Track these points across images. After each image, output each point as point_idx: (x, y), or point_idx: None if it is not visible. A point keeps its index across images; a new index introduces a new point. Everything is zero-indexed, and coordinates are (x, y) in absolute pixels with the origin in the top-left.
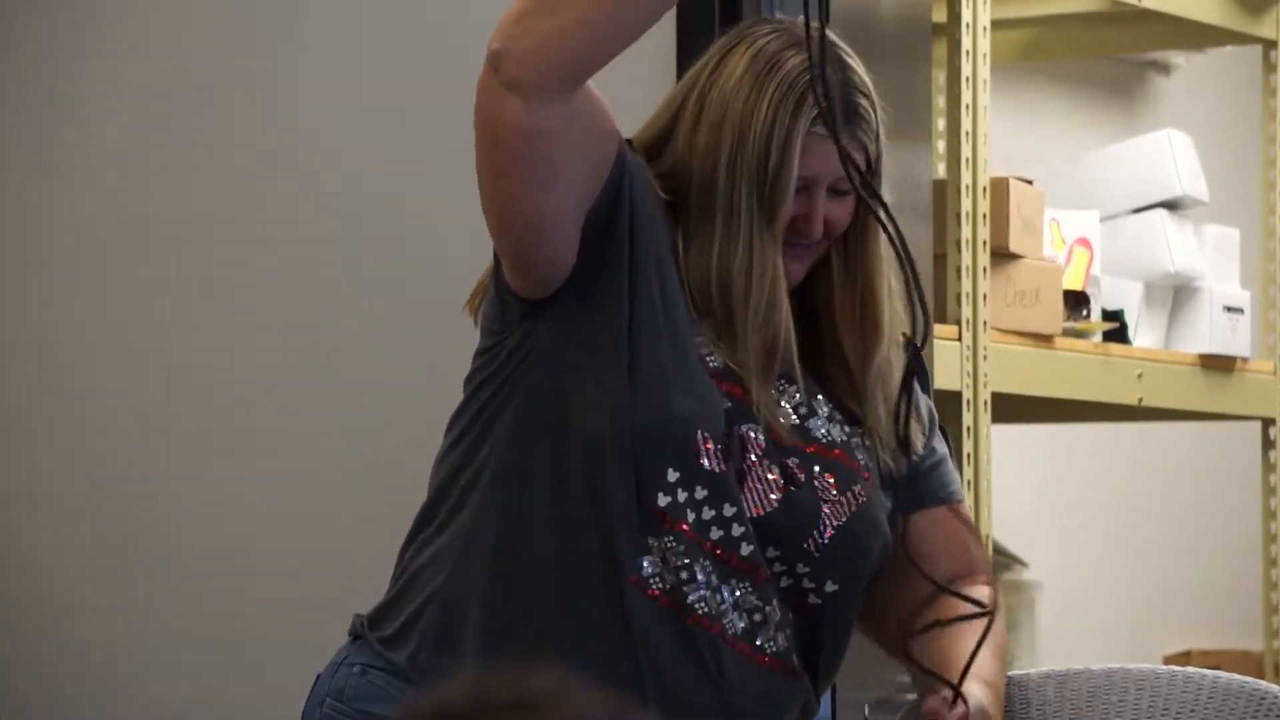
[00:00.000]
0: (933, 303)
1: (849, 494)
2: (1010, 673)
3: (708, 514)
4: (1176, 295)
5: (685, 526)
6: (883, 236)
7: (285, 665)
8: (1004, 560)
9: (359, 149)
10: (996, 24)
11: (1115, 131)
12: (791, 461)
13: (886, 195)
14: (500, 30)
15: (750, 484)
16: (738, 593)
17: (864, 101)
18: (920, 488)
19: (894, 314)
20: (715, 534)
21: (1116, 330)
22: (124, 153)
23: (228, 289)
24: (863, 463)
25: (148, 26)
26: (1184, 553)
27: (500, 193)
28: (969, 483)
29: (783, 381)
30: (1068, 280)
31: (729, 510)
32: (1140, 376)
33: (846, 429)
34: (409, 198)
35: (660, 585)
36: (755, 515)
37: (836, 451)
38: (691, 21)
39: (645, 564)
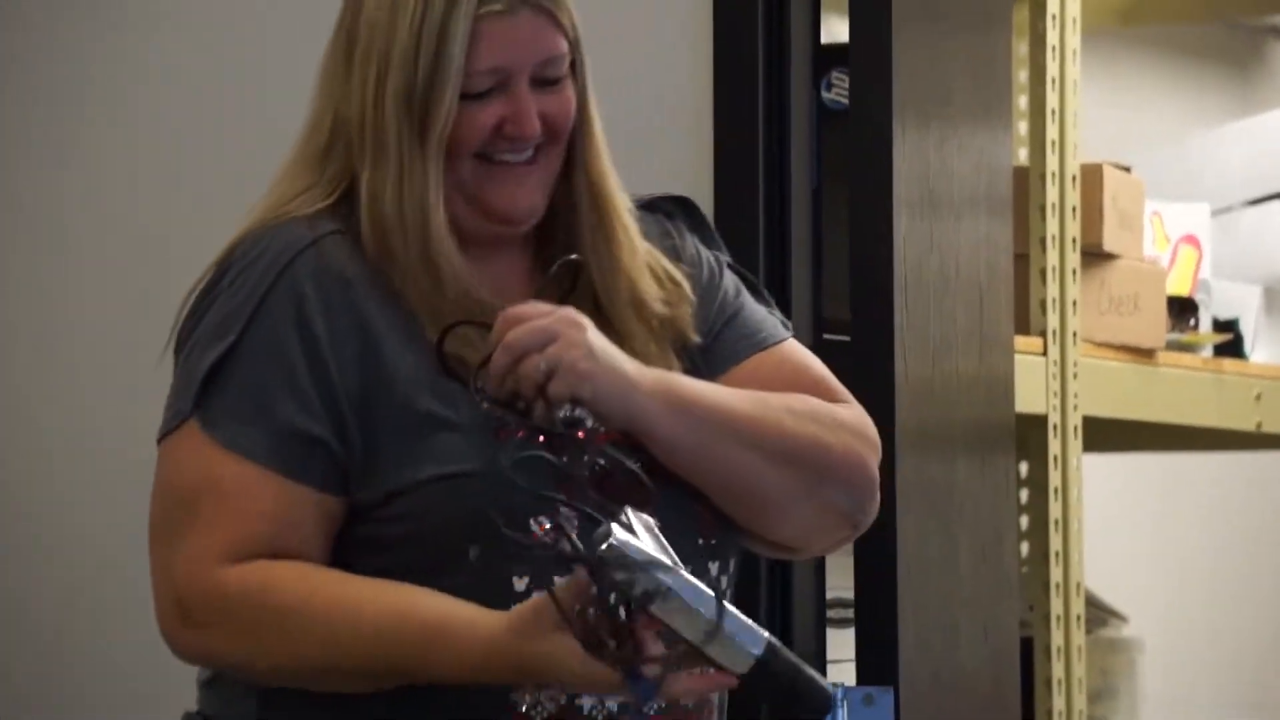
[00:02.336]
0: (1014, 310)
1: None
2: None
3: None
4: None
5: None
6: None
7: None
8: (1099, 614)
9: None
10: None
11: (1228, 110)
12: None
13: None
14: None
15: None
16: None
17: None
18: (716, 354)
19: (634, 229)
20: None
21: (1230, 343)
22: (133, 156)
23: None
24: None
25: (160, 24)
26: None
27: None
28: (1056, 522)
29: None
30: (1172, 285)
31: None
32: (1259, 398)
33: None
34: None
35: (543, 712)
36: None
37: None
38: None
39: (516, 697)
